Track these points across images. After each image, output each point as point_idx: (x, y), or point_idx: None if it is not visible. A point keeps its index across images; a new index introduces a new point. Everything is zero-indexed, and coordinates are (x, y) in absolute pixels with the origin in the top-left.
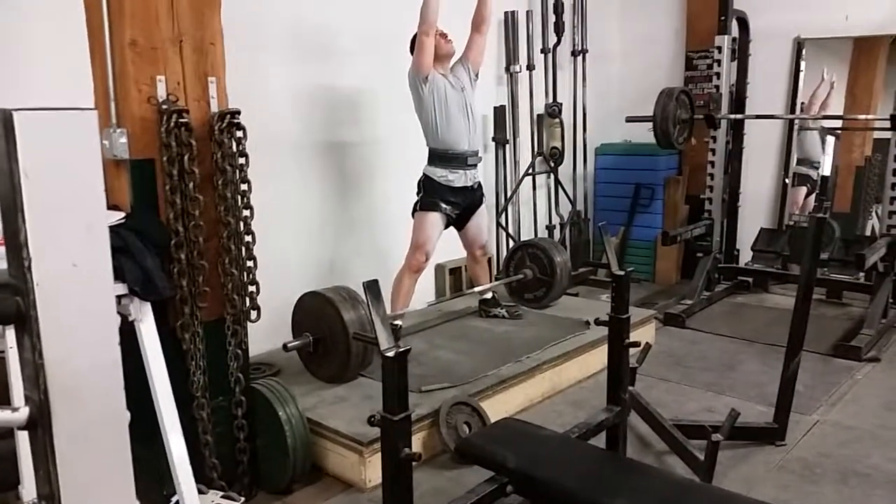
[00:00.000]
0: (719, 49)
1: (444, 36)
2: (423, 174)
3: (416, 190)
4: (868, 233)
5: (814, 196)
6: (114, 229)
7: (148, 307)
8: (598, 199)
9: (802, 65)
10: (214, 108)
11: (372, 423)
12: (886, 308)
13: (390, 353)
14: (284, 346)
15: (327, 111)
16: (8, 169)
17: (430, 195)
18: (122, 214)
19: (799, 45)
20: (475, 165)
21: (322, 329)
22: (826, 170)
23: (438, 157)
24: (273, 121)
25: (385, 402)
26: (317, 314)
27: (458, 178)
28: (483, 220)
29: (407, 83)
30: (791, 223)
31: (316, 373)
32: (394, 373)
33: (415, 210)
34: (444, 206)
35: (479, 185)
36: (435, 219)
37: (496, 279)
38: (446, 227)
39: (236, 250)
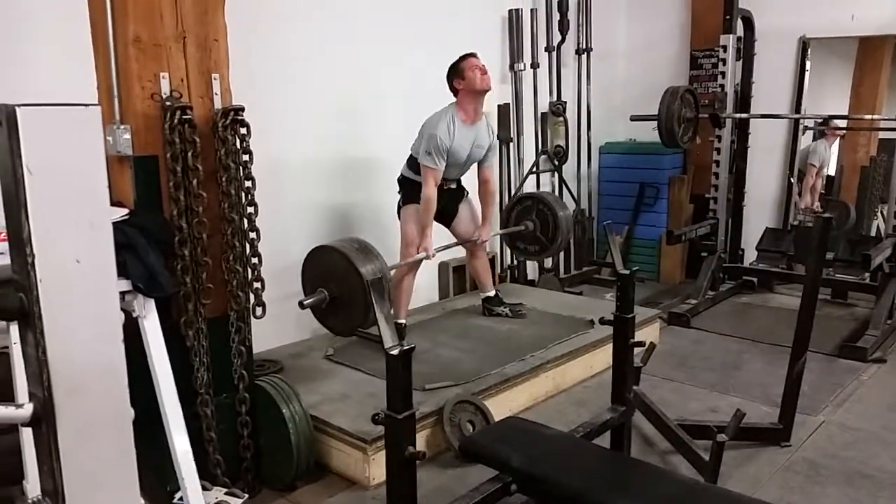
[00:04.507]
0: (724, 48)
1: (483, 71)
2: (402, 174)
3: (398, 188)
4: (873, 233)
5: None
6: (117, 226)
7: (152, 304)
8: (602, 197)
9: (808, 64)
10: (218, 104)
11: (376, 421)
12: (892, 309)
13: (394, 352)
14: (300, 304)
15: (334, 107)
16: (11, 165)
17: (410, 191)
18: (126, 211)
19: (804, 44)
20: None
21: (337, 283)
22: (831, 170)
23: (418, 169)
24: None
25: (389, 401)
26: (330, 268)
27: None
28: (470, 208)
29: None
30: (796, 223)
31: (333, 328)
32: (398, 371)
33: (399, 208)
34: None
35: (451, 187)
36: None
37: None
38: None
39: (240, 247)
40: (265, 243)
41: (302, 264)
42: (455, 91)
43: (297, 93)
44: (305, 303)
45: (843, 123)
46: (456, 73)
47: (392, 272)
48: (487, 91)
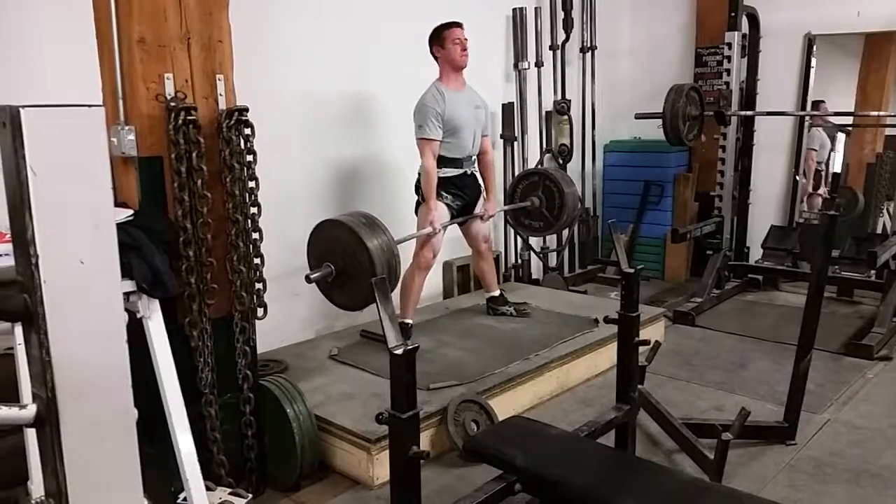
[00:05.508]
0: (729, 45)
1: (464, 48)
2: (419, 173)
3: (414, 189)
4: (879, 230)
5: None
6: (122, 226)
7: (156, 304)
8: (606, 196)
9: (813, 61)
10: (222, 105)
11: (380, 420)
12: None
13: (398, 351)
14: (307, 277)
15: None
16: (15, 166)
17: None
18: (131, 212)
19: (810, 41)
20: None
21: (343, 257)
22: (837, 166)
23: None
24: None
25: (393, 400)
26: (336, 242)
27: (453, 171)
28: (483, 204)
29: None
30: (801, 220)
31: (339, 302)
32: (402, 370)
33: (417, 206)
34: (445, 195)
35: (474, 173)
36: (440, 209)
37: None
38: (450, 219)
39: (244, 247)
40: (271, 247)
41: (308, 238)
42: (435, 57)
43: (297, 93)
44: (312, 276)
45: (836, 115)
46: (437, 39)
47: (404, 271)
48: (463, 68)
